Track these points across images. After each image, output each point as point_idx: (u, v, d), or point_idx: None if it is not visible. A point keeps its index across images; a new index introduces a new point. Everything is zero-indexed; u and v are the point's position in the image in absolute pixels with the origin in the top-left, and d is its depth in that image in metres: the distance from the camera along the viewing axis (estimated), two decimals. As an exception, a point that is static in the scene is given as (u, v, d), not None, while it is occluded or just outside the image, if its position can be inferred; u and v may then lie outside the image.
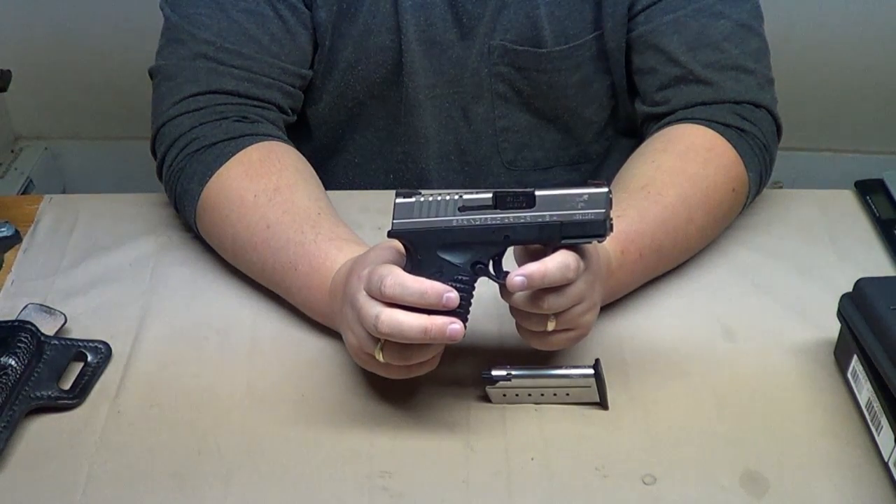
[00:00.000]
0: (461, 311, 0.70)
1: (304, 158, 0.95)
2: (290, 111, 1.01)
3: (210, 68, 0.94)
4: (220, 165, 0.90)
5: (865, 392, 0.76)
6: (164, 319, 0.88)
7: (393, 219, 0.72)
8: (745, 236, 0.97)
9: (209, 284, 0.92)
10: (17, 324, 0.82)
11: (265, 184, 0.88)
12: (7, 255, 0.94)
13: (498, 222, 0.71)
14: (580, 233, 0.71)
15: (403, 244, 0.73)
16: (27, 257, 0.95)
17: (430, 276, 0.70)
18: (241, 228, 0.87)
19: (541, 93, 1.05)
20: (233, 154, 0.91)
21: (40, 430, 0.77)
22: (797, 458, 0.74)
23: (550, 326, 0.73)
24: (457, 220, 0.71)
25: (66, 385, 0.80)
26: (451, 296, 0.69)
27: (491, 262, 0.72)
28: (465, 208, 0.71)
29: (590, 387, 0.77)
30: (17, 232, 0.95)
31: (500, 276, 0.72)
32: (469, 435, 0.76)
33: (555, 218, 0.70)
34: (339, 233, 0.85)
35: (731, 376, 0.81)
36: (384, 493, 0.72)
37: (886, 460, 0.72)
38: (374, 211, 0.99)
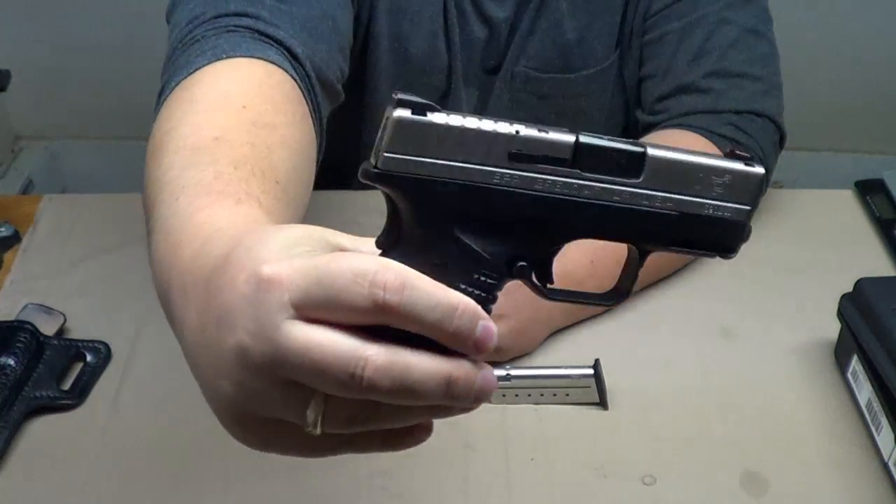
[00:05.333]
0: None
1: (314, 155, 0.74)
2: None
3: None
4: (239, 56, 0.71)
5: (865, 392, 0.76)
6: (164, 319, 0.87)
7: (383, 146, 0.41)
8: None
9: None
10: (16, 324, 0.82)
11: (260, 107, 0.67)
12: (7, 255, 0.94)
13: (575, 194, 0.42)
14: (701, 239, 0.45)
15: (393, 200, 0.43)
16: (27, 257, 0.95)
17: (429, 272, 0.40)
18: (191, 119, 0.64)
19: (567, 120, 1.04)
20: (257, 57, 0.71)
21: (40, 430, 0.77)
22: (797, 458, 0.74)
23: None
24: (506, 174, 0.42)
25: (66, 385, 0.80)
26: (490, 328, 0.40)
27: (534, 263, 0.44)
28: (520, 156, 0.42)
29: (590, 387, 0.77)
30: (17, 232, 0.95)
31: (546, 286, 0.45)
32: (469, 435, 0.76)
33: (670, 205, 0.44)
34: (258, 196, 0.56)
35: (731, 376, 0.81)
36: (383, 492, 0.72)
37: (886, 460, 0.72)
38: (375, 212, 0.98)
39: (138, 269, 0.93)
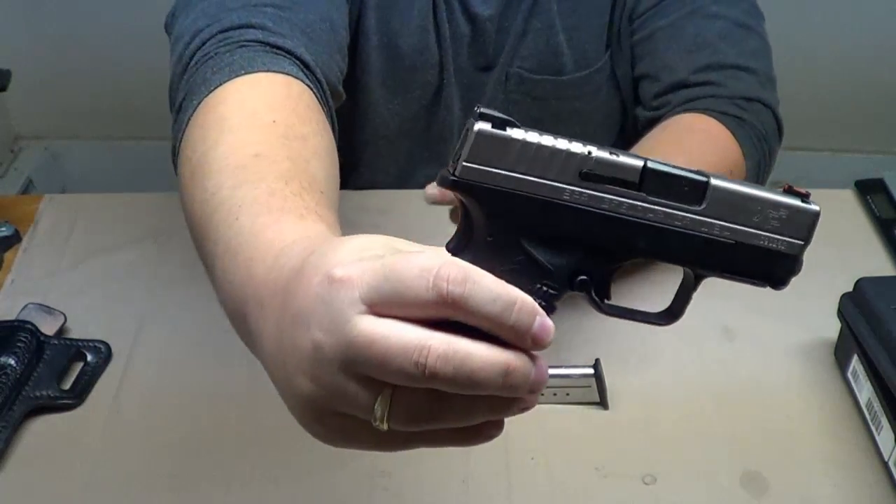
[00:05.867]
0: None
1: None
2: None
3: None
4: (257, 71, 0.72)
5: (865, 392, 0.76)
6: (164, 319, 0.88)
7: (462, 155, 0.43)
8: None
9: (209, 284, 0.91)
10: (17, 323, 0.82)
11: (288, 120, 0.68)
12: (7, 254, 0.94)
13: (640, 216, 0.45)
14: (754, 268, 0.47)
15: (466, 206, 0.45)
16: (27, 257, 0.95)
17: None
18: (227, 139, 0.65)
19: (560, 121, 1.04)
20: (274, 71, 0.73)
21: (40, 430, 0.77)
22: (797, 458, 0.74)
23: None
24: (576, 191, 0.44)
25: (66, 385, 0.80)
26: (547, 324, 0.42)
27: (595, 278, 0.46)
28: (590, 176, 0.44)
29: (590, 387, 0.77)
30: (17, 232, 0.95)
31: (604, 301, 0.47)
32: (469, 435, 0.76)
33: (727, 234, 0.45)
34: (319, 209, 0.58)
35: (730, 376, 0.81)
36: (384, 492, 0.72)
37: (886, 460, 0.72)
38: (374, 211, 0.99)
39: (138, 269, 0.93)
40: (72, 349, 0.83)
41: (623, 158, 0.44)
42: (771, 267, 0.47)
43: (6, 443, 0.74)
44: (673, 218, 0.45)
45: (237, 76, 0.71)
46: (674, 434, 0.76)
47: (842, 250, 0.95)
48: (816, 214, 0.47)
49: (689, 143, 0.90)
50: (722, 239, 0.46)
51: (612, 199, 0.44)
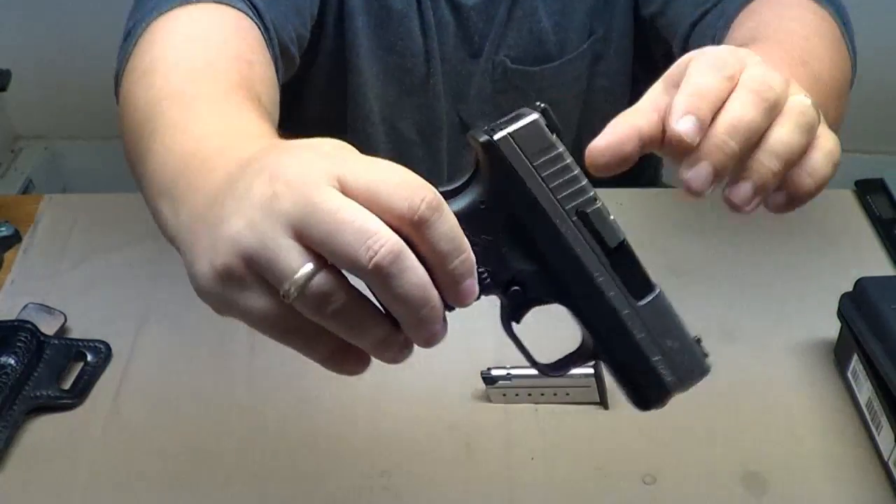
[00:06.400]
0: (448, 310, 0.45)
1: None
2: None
3: None
4: (208, 1, 0.73)
5: (865, 392, 0.76)
6: (164, 319, 0.88)
7: (508, 129, 0.45)
8: (744, 236, 0.97)
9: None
10: (17, 323, 0.82)
11: (238, 44, 0.69)
12: (7, 255, 0.94)
13: (595, 276, 0.47)
14: (638, 380, 0.49)
15: (479, 169, 0.47)
16: (27, 257, 0.95)
17: None
18: (178, 49, 0.65)
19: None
20: (225, 4, 0.73)
21: (40, 430, 0.77)
22: (797, 458, 0.74)
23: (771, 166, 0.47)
24: (568, 221, 0.46)
25: (66, 385, 0.80)
26: (476, 289, 0.44)
27: (523, 298, 0.48)
28: (584, 217, 0.47)
29: (590, 387, 0.77)
30: (17, 232, 0.95)
31: (511, 322, 0.49)
32: (469, 435, 0.76)
33: (641, 337, 0.48)
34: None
35: (730, 376, 0.81)
36: (384, 492, 0.72)
37: (886, 460, 0.72)
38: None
39: (138, 268, 0.93)
40: (72, 349, 0.83)
41: (613, 221, 0.47)
42: (650, 388, 0.49)
43: (6, 443, 0.74)
44: (613, 291, 0.47)
45: (188, 3, 0.71)
46: (674, 434, 0.76)
47: (842, 250, 0.95)
48: (704, 373, 0.50)
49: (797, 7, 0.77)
50: (634, 335, 0.48)
51: (585, 248, 0.47)
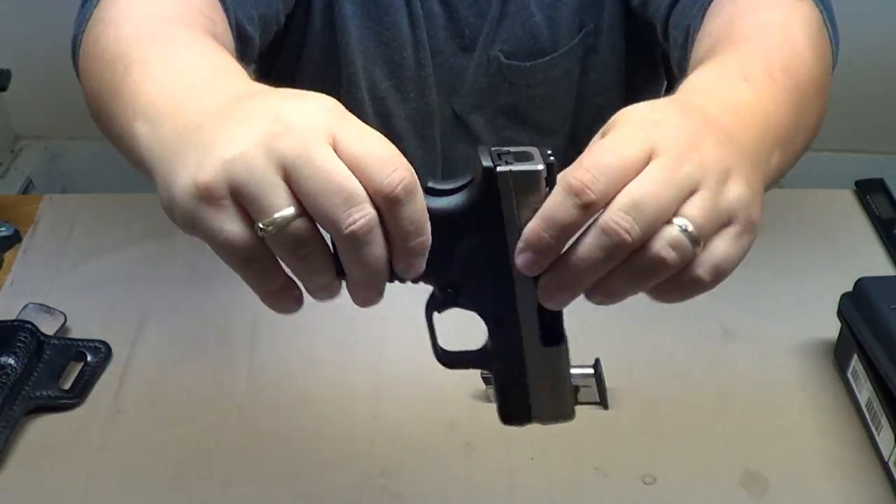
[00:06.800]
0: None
1: None
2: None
3: None
4: None
5: (865, 392, 0.76)
6: (164, 319, 0.88)
7: (511, 165, 0.46)
8: (745, 236, 0.97)
9: (209, 284, 0.92)
10: (16, 323, 0.82)
11: (198, 5, 0.68)
12: (7, 255, 0.94)
13: (522, 308, 0.50)
14: (513, 394, 0.53)
15: (474, 178, 0.48)
16: (27, 257, 0.95)
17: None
18: (143, 4, 0.64)
19: (536, 107, 1.04)
20: None
21: (40, 430, 0.77)
22: (797, 458, 0.74)
23: (670, 255, 0.49)
24: (522, 277, 0.48)
25: (66, 385, 0.80)
26: (423, 265, 0.46)
27: (442, 303, 0.51)
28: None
29: (590, 387, 0.77)
30: (17, 232, 0.95)
31: (433, 312, 0.52)
32: (469, 435, 0.76)
33: (533, 353, 0.51)
34: None
35: (731, 376, 0.81)
36: (384, 492, 0.72)
37: (886, 460, 0.72)
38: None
39: (138, 269, 0.93)
40: (72, 349, 0.83)
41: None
42: (519, 409, 0.53)
43: (6, 442, 0.74)
44: (528, 330, 0.50)
45: None
46: (674, 434, 0.76)
47: (842, 250, 0.95)
48: (567, 419, 0.53)
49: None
50: (526, 368, 0.51)
51: (526, 292, 0.49)
